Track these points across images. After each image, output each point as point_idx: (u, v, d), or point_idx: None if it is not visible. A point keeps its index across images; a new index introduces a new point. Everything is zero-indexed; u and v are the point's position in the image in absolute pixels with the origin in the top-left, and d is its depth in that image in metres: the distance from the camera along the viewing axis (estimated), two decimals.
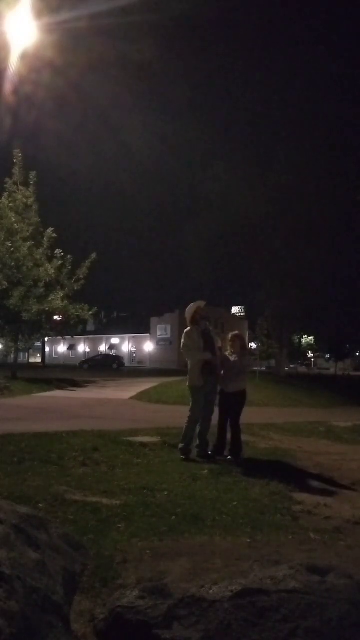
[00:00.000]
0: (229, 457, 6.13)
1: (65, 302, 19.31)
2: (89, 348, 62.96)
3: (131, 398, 15.12)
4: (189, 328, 6.41)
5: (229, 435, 6.31)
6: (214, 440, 6.33)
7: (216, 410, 6.38)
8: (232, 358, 6.52)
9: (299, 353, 63.26)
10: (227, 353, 6.73)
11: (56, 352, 62.93)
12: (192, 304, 6.52)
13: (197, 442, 6.16)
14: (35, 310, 18.41)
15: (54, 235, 19.56)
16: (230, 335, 6.88)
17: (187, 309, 6.50)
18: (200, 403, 6.20)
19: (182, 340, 6.44)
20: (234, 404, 6.38)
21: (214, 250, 30.17)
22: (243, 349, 6.85)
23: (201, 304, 6.49)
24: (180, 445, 6.08)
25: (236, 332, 7.08)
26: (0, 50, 8.87)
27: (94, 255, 19.87)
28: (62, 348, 61.22)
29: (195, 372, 6.19)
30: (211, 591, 2.08)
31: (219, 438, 6.39)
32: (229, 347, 6.78)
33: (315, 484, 5.29)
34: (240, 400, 6.42)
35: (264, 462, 6.05)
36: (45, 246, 19.34)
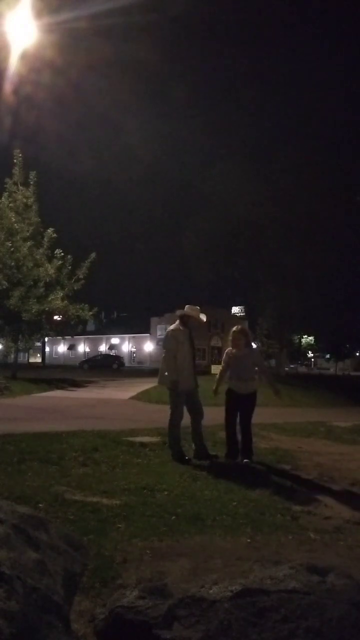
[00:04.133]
0: (245, 461, 5.81)
1: (65, 302, 19.36)
2: (89, 348, 62.90)
3: (131, 398, 15.11)
4: (175, 327, 6.11)
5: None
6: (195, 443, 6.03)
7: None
8: (238, 355, 5.94)
9: (299, 353, 63.24)
10: (229, 349, 6.08)
11: (56, 352, 62.87)
12: (198, 309, 6.16)
13: (194, 445, 6.04)
14: (35, 310, 18.45)
15: (54, 235, 19.61)
16: (232, 331, 6.11)
17: (189, 308, 6.14)
18: (182, 405, 6.05)
19: (165, 339, 6.11)
20: (245, 406, 5.97)
21: (214, 250, 30.12)
22: (248, 346, 6.12)
23: (203, 317, 6.21)
24: (172, 454, 5.84)
25: (239, 326, 6.35)
26: (0, 50, 8.88)
27: (93, 255, 19.93)
28: (62, 348, 61.16)
29: (188, 373, 6.01)
30: (211, 591, 2.08)
31: (232, 442, 5.98)
32: (230, 344, 6.07)
33: (315, 484, 5.29)
34: (252, 401, 6.02)
35: (264, 462, 6.05)
36: (45, 246, 19.38)
